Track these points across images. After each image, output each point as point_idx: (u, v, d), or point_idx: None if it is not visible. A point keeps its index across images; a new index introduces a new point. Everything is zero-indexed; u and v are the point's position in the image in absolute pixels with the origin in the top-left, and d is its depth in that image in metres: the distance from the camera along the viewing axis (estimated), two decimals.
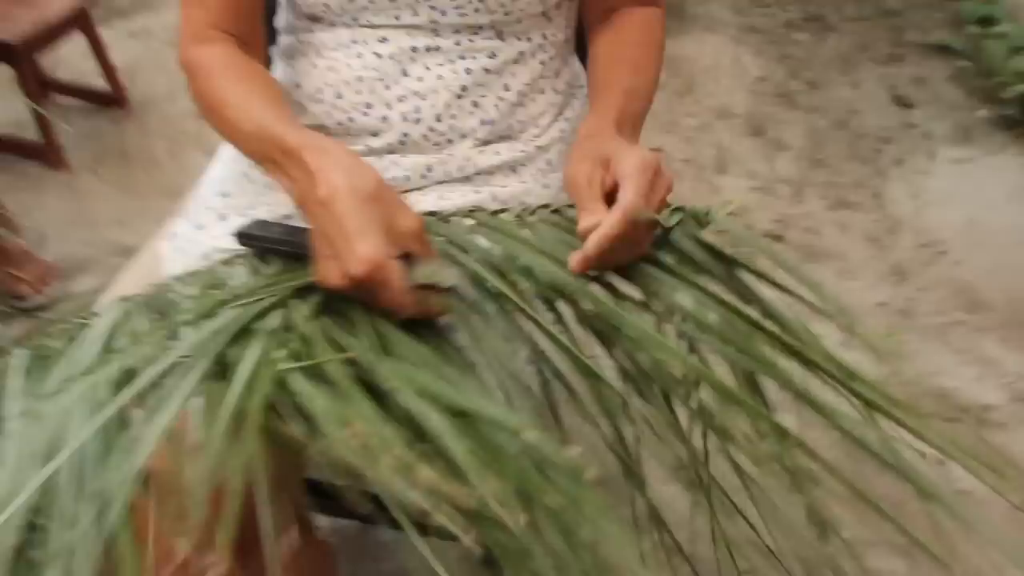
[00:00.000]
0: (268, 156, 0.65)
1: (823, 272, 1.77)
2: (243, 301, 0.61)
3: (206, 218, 0.78)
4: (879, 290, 1.73)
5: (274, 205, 0.76)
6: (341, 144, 0.65)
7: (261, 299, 0.61)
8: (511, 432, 0.49)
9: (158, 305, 0.66)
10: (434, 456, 0.48)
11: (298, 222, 0.66)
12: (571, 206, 0.68)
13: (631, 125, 0.76)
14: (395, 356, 0.56)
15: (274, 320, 0.59)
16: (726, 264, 0.65)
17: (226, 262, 0.68)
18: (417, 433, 0.50)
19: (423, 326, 0.59)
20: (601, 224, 0.61)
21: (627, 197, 0.61)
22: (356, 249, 0.56)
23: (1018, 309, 1.68)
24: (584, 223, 0.63)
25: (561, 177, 0.80)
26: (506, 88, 0.79)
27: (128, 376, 0.55)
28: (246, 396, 0.52)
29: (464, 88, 0.77)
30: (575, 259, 0.62)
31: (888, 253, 1.83)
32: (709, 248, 0.66)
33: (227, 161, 0.83)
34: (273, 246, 0.67)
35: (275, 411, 0.52)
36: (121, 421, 0.53)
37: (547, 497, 0.46)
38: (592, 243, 0.61)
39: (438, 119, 0.76)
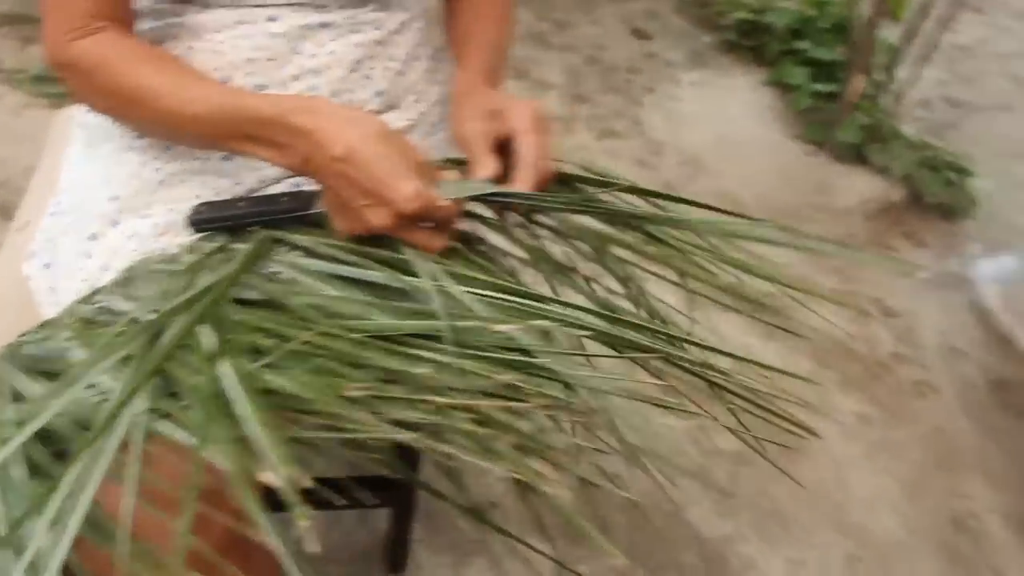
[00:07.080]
0: (236, 133, 0.63)
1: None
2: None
3: (97, 226, 0.72)
4: None
5: (173, 202, 0.71)
6: (322, 97, 0.66)
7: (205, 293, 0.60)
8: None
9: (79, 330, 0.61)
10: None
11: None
12: (458, 161, 0.72)
13: (499, 77, 0.80)
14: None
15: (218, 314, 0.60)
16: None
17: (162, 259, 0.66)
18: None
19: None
20: (512, 183, 0.66)
21: (531, 154, 0.66)
22: (401, 189, 0.59)
23: (768, 206, 1.96)
24: (482, 176, 0.67)
25: (443, 138, 0.83)
26: (391, 58, 0.80)
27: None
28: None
29: (357, 62, 0.76)
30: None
31: (657, 173, 2.03)
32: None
33: (104, 163, 0.75)
34: (246, 220, 0.67)
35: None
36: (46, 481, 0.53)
37: None
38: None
39: (334, 95, 0.75)
